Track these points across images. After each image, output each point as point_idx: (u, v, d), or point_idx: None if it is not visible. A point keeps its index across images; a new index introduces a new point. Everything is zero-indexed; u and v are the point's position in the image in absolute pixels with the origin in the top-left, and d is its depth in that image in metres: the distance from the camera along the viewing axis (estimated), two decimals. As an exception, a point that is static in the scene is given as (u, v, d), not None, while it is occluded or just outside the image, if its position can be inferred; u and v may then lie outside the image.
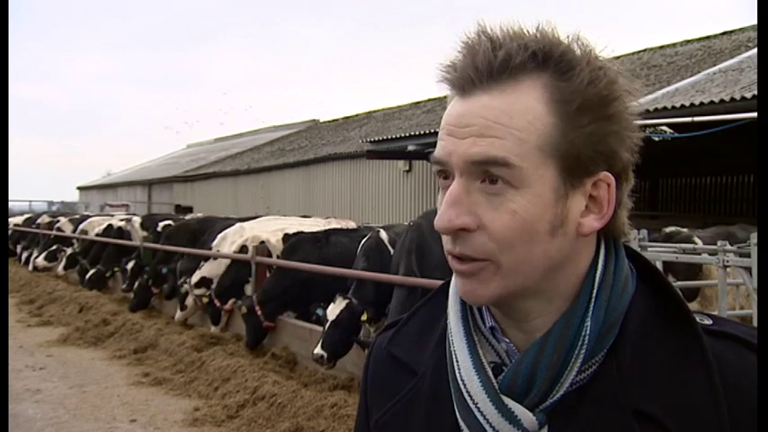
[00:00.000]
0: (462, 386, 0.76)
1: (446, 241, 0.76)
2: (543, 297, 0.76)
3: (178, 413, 5.46)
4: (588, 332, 0.73)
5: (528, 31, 0.74)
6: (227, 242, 8.96)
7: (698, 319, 0.77)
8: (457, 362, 0.78)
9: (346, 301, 5.94)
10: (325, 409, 5.02)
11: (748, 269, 4.20)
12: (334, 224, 9.21)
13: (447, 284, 0.87)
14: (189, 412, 5.44)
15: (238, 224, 9.46)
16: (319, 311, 6.15)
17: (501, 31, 0.74)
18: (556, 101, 0.72)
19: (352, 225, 9.47)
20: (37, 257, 14.79)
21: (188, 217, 15.19)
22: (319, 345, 5.80)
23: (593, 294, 0.75)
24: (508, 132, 0.71)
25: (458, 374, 0.77)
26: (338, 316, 5.85)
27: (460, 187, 0.73)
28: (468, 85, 0.73)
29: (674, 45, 17.09)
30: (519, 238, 0.72)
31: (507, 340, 0.79)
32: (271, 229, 9.06)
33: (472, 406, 0.75)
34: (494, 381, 0.75)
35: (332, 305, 5.95)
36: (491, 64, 0.72)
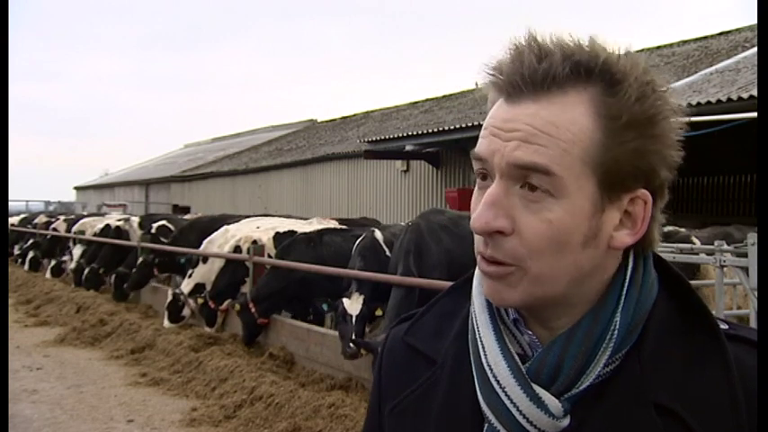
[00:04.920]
0: (489, 371, 0.77)
1: (478, 242, 0.77)
2: (567, 303, 0.77)
3: (175, 413, 5.46)
4: (618, 327, 0.75)
5: (575, 42, 0.74)
6: (215, 246, 8.91)
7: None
8: (483, 348, 0.79)
9: (362, 296, 5.95)
10: (322, 409, 5.02)
11: (745, 269, 4.20)
12: (315, 224, 9.17)
13: (465, 279, 0.89)
14: (186, 412, 5.43)
15: (223, 227, 9.42)
16: (325, 306, 6.17)
17: (549, 39, 0.74)
18: (602, 116, 0.72)
19: (334, 225, 9.42)
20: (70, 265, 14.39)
21: (187, 216, 15.16)
22: (354, 341, 5.74)
23: (624, 291, 0.76)
24: (553, 142, 0.71)
25: (484, 360, 0.78)
26: (361, 311, 5.86)
27: (500, 189, 0.74)
28: (515, 91, 0.74)
29: (671, 45, 17.11)
30: (549, 248, 0.73)
31: (530, 333, 0.80)
32: (255, 228, 9.04)
33: (499, 390, 0.76)
34: (521, 366, 0.77)
35: (348, 301, 5.93)
36: (536, 73, 0.72)
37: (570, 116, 0.72)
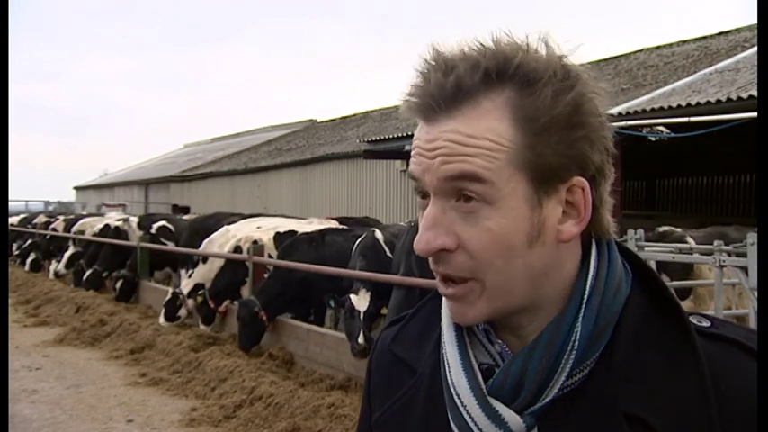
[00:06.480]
0: (452, 387, 0.77)
1: (430, 262, 0.76)
2: (532, 307, 0.76)
3: (175, 413, 5.46)
4: (578, 337, 0.73)
5: (482, 47, 0.73)
6: (215, 246, 8.90)
7: (696, 321, 0.77)
8: (447, 363, 0.79)
9: (369, 292, 5.95)
10: (322, 409, 5.02)
11: (744, 269, 4.21)
12: (316, 224, 9.17)
13: None
14: (186, 412, 5.43)
15: (224, 227, 9.41)
16: (331, 303, 6.17)
17: (454, 52, 0.73)
18: (520, 119, 0.71)
19: (334, 224, 9.41)
20: (58, 266, 14.00)
21: (186, 216, 15.15)
22: (361, 336, 5.75)
23: (585, 299, 0.75)
24: (476, 152, 0.71)
25: (448, 376, 0.78)
26: (368, 307, 5.87)
27: (436, 208, 0.74)
28: (429, 111, 0.73)
29: (670, 45, 17.12)
30: (497, 255, 0.72)
31: (500, 342, 0.79)
32: (255, 228, 9.04)
33: (461, 407, 0.76)
34: (482, 383, 0.76)
35: (356, 297, 5.93)
36: (444, 90, 0.72)
37: (487, 125, 0.71)
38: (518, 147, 0.71)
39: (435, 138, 0.73)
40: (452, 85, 0.71)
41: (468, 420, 0.75)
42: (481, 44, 0.73)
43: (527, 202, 0.72)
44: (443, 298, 0.83)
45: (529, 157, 0.71)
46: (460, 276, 0.74)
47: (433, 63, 0.74)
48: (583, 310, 0.74)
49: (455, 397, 0.76)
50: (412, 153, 0.77)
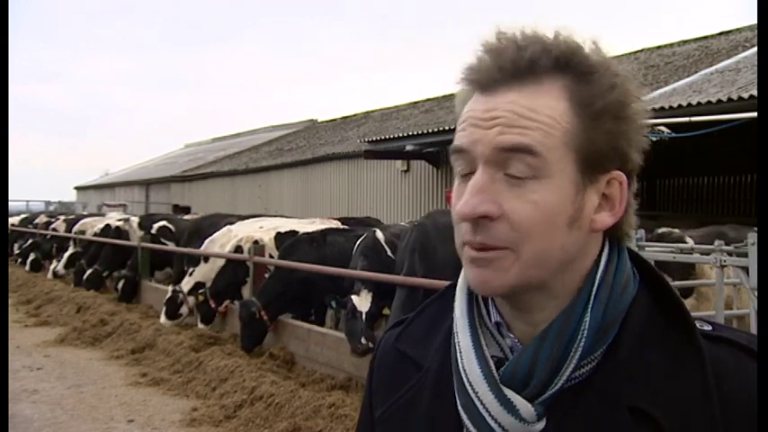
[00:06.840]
0: (464, 375, 0.78)
1: (466, 230, 0.76)
2: (550, 291, 0.78)
3: (176, 413, 5.46)
4: (587, 327, 0.75)
5: (548, 35, 0.77)
6: (216, 245, 8.91)
7: (698, 325, 0.78)
8: (460, 352, 0.80)
9: (371, 293, 5.96)
10: (322, 409, 5.02)
11: (745, 269, 4.20)
12: (318, 224, 9.18)
13: (452, 284, 0.89)
14: (186, 412, 5.44)
15: (226, 227, 9.43)
16: (333, 303, 6.20)
17: (522, 33, 0.77)
18: (577, 102, 0.75)
19: (336, 224, 9.42)
20: (57, 266, 13.95)
21: (187, 217, 15.17)
22: (364, 337, 5.77)
23: (594, 291, 0.77)
24: (535, 125, 0.74)
25: (460, 364, 0.79)
26: (370, 308, 5.89)
27: (485, 176, 0.75)
28: (491, 83, 0.76)
29: (671, 45, 17.10)
30: (540, 229, 0.74)
31: (512, 336, 0.80)
32: (257, 228, 9.05)
33: (473, 395, 0.77)
34: (494, 371, 0.77)
35: (357, 298, 5.95)
36: (516, 64, 0.75)
37: (548, 102, 0.74)
38: (573, 129, 0.75)
39: (494, 107, 0.75)
40: (527, 60, 0.75)
41: (480, 407, 0.76)
42: (546, 33, 0.77)
43: (573, 184, 0.75)
44: (458, 282, 0.84)
45: (582, 141, 0.75)
46: (498, 246, 0.74)
47: (505, 39, 0.76)
48: (592, 301, 0.76)
49: (467, 385, 0.78)
50: (461, 126, 0.78)
